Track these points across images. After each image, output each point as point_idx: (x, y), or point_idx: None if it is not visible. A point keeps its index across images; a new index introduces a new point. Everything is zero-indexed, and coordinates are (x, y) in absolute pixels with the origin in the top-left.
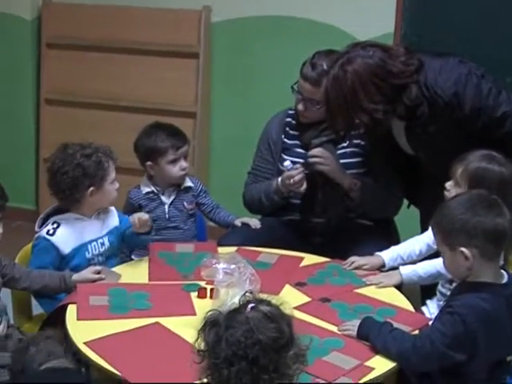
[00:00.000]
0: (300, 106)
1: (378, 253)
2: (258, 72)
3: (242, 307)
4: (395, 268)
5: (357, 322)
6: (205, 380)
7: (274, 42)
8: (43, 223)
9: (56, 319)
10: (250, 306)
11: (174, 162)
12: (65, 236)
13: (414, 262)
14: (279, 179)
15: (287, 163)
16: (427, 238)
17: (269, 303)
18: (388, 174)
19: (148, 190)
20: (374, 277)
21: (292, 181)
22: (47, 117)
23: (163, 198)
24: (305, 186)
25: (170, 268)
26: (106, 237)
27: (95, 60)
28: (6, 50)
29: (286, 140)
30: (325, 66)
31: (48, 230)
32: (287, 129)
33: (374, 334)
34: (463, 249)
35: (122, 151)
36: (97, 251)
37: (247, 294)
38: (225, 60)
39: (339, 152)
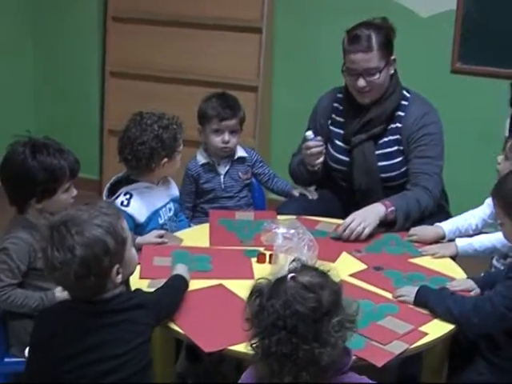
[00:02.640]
0: (361, 82)
1: (438, 224)
2: (320, 47)
3: (286, 276)
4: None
5: (412, 289)
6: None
7: (336, 17)
8: (110, 193)
9: None
10: (290, 276)
11: (217, 132)
12: (138, 206)
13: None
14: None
15: (309, 133)
16: (482, 213)
17: (314, 270)
18: (427, 168)
19: (204, 161)
20: (429, 247)
21: (309, 152)
22: (112, 89)
23: (218, 169)
24: (322, 159)
25: (230, 234)
26: (171, 203)
27: (160, 34)
28: (72, 23)
29: (331, 127)
30: (366, 31)
31: (122, 202)
32: (333, 115)
33: (434, 298)
34: None
35: (184, 123)
36: (167, 216)
37: (295, 261)
38: (287, 35)
39: (380, 142)
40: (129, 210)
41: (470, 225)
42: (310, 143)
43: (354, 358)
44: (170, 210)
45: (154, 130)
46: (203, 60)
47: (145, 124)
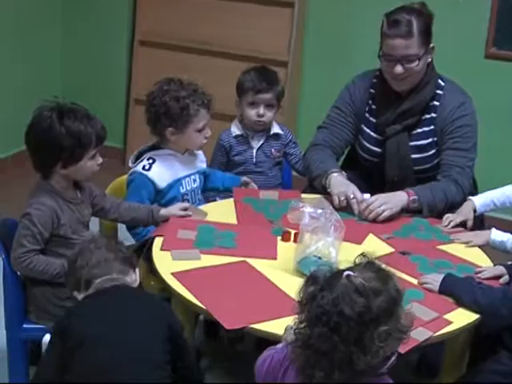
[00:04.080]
0: (398, 69)
1: (470, 197)
2: (353, 25)
3: (345, 271)
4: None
5: (438, 276)
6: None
7: None
8: (137, 160)
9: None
10: (346, 273)
11: (252, 104)
12: (160, 171)
13: None
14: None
15: (367, 195)
16: None
17: (375, 273)
18: (460, 161)
19: (238, 132)
20: (462, 234)
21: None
22: (140, 58)
23: (252, 142)
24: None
25: (257, 213)
26: (197, 175)
27: (191, 3)
28: None
29: (366, 115)
30: (406, 16)
31: (144, 166)
32: (370, 101)
33: (461, 287)
34: None
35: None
36: (190, 187)
37: (362, 256)
38: (320, 11)
39: (414, 133)
40: (150, 174)
41: (509, 197)
42: (355, 206)
43: (393, 360)
44: (194, 181)
45: (165, 96)
46: (234, 33)
47: (165, 88)
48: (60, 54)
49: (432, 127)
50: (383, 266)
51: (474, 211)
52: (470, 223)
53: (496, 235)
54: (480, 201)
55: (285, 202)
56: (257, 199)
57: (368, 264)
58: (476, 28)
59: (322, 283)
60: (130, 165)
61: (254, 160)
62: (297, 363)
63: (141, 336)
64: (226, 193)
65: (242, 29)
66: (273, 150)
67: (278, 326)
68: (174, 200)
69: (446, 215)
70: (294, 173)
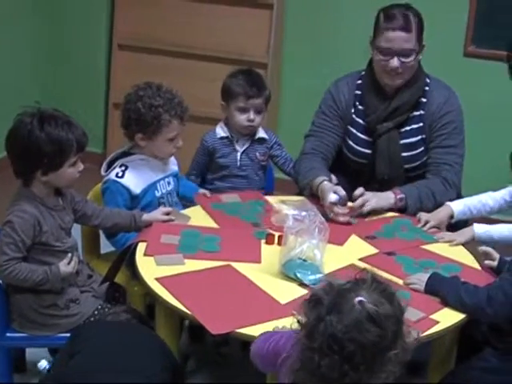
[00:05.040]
0: (394, 62)
1: (448, 203)
2: (332, 25)
3: (352, 291)
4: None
5: (423, 276)
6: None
7: None
8: (108, 168)
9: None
10: (358, 299)
11: (243, 110)
12: (134, 177)
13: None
14: (327, 197)
15: (334, 197)
16: (500, 196)
17: (381, 292)
18: (449, 158)
19: (223, 134)
20: (445, 233)
21: (332, 215)
22: (119, 62)
23: (236, 146)
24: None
25: (233, 217)
26: (171, 177)
27: (169, 7)
28: None
29: (353, 116)
30: (404, 11)
31: (117, 173)
32: (357, 103)
33: (446, 287)
34: None
35: (190, 99)
36: (165, 190)
37: (363, 271)
38: (299, 12)
39: (403, 130)
40: (123, 181)
41: (485, 205)
42: (339, 210)
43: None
44: (168, 183)
45: (139, 102)
46: (213, 35)
47: (140, 93)
48: (38, 58)
49: (421, 124)
50: (385, 281)
51: (452, 217)
52: (443, 230)
53: (479, 228)
54: (458, 207)
55: (251, 202)
56: (223, 204)
57: (374, 283)
58: (455, 26)
59: (328, 305)
60: (103, 173)
61: (238, 163)
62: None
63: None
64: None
65: (221, 31)
66: (257, 154)
67: (264, 330)
68: (151, 204)
69: (419, 214)
70: (276, 175)
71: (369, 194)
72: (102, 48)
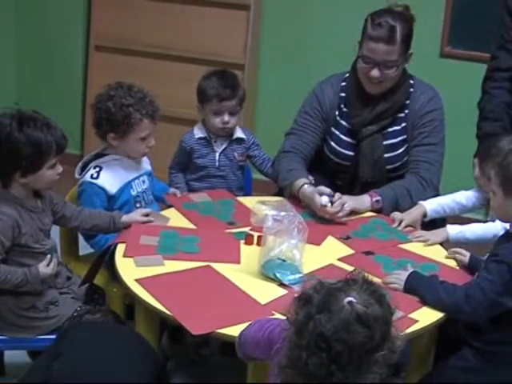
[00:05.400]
0: (375, 73)
1: (421, 202)
2: (309, 28)
3: (342, 291)
4: (441, 223)
5: (402, 275)
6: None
7: None
8: (82, 171)
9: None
10: (348, 300)
11: (217, 112)
12: (109, 177)
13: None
14: (316, 202)
15: (325, 200)
16: (473, 195)
17: (371, 294)
18: (429, 156)
19: (201, 135)
20: (419, 233)
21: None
22: (96, 63)
23: (215, 146)
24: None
25: (208, 216)
26: (145, 176)
27: (146, 8)
28: None
29: (338, 118)
30: (391, 22)
31: (92, 175)
32: (342, 105)
33: (424, 286)
34: None
35: (166, 100)
36: (140, 188)
37: (359, 271)
38: (276, 13)
39: (385, 132)
40: (99, 181)
41: (458, 204)
42: (333, 210)
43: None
44: (143, 182)
45: (110, 102)
46: (190, 36)
47: (111, 93)
48: (15, 59)
49: (403, 125)
50: (375, 282)
51: (425, 216)
52: (418, 229)
53: (452, 229)
54: (431, 206)
55: (221, 201)
56: (195, 203)
57: (364, 284)
58: (431, 27)
59: (317, 304)
60: (77, 176)
61: (217, 164)
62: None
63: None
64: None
65: (198, 32)
66: (236, 154)
67: None
68: (127, 204)
69: (393, 213)
70: (254, 176)
71: (345, 198)
72: (79, 49)
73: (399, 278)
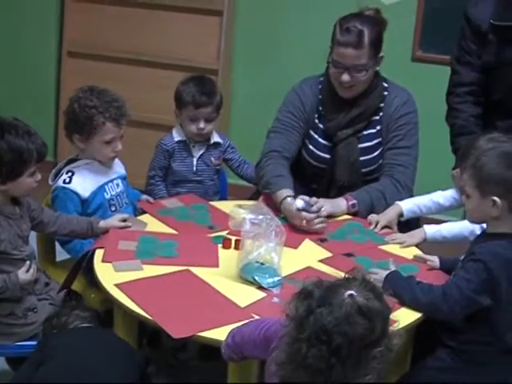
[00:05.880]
0: (345, 77)
1: (397, 202)
2: (282, 32)
3: (342, 286)
4: (417, 224)
5: (380, 274)
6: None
7: (299, 2)
8: (55, 177)
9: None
10: (349, 293)
11: (193, 119)
12: (81, 181)
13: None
14: (292, 207)
15: (300, 203)
16: (450, 195)
17: (371, 291)
18: (403, 159)
19: (180, 138)
20: (396, 235)
21: (304, 223)
22: (69, 69)
23: (193, 151)
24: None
25: (186, 222)
26: (119, 179)
27: (119, 14)
28: (30, 2)
29: (316, 121)
30: (359, 26)
31: (64, 180)
32: (320, 108)
33: (401, 286)
34: (496, 198)
35: (140, 105)
36: (114, 192)
37: (358, 270)
38: (248, 19)
39: (360, 135)
40: (72, 186)
41: (435, 203)
42: (309, 216)
43: None
44: (117, 185)
45: (75, 104)
46: (163, 42)
47: (80, 95)
48: None
49: (378, 128)
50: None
51: (401, 216)
52: (394, 228)
53: (429, 229)
54: (407, 206)
55: (195, 206)
56: (169, 209)
57: (364, 281)
58: (403, 31)
59: (318, 298)
60: (50, 182)
61: (195, 169)
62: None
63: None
64: None
65: (171, 38)
66: (212, 159)
67: (225, 333)
68: (101, 207)
69: (370, 216)
70: (230, 181)
71: (322, 201)
72: (52, 55)
73: (377, 278)
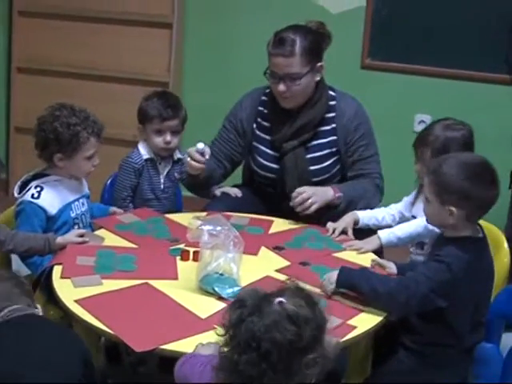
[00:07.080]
0: (281, 87)
1: (354, 211)
2: (232, 44)
3: (274, 296)
4: (373, 231)
5: (332, 276)
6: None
7: (249, 13)
8: (21, 190)
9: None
10: (278, 300)
11: (159, 132)
12: (50, 197)
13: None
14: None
15: (201, 146)
16: (400, 208)
17: (304, 299)
18: (371, 167)
19: (148, 156)
20: (353, 242)
21: (190, 163)
22: (19, 85)
23: (159, 168)
24: (203, 175)
25: (145, 236)
26: (84, 199)
27: (68, 29)
28: None
29: (257, 132)
30: (291, 36)
31: (32, 194)
32: (259, 119)
33: (357, 277)
34: (453, 208)
35: None
36: (79, 211)
37: (290, 280)
38: (198, 30)
39: (309, 145)
40: (39, 202)
41: (389, 214)
42: (195, 155)
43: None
44: (82, 204)
45: (56, 122)
46: (114, 55)
47: (56, 113)
48: None
49: (331, 138)
50: (308, 290)
51: (356, 224)
52: (350, 231)
53: (383, 233)
54: (363, 214)
55: (150, 220)
56: (126, 224)
57: (297, 290)
58: (352, 40)
59: (250, 307)
60: (16, 195)
61: (162, 186)
62: None
63: (60, 359)
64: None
65: (121, 51)
66: (176, 174)
67: (187, 345)
68: (66, 225)
69: (329, 223)
70: (184, 193)
71: (308, 191)
72: (1, 72)
73: (330, 279)
